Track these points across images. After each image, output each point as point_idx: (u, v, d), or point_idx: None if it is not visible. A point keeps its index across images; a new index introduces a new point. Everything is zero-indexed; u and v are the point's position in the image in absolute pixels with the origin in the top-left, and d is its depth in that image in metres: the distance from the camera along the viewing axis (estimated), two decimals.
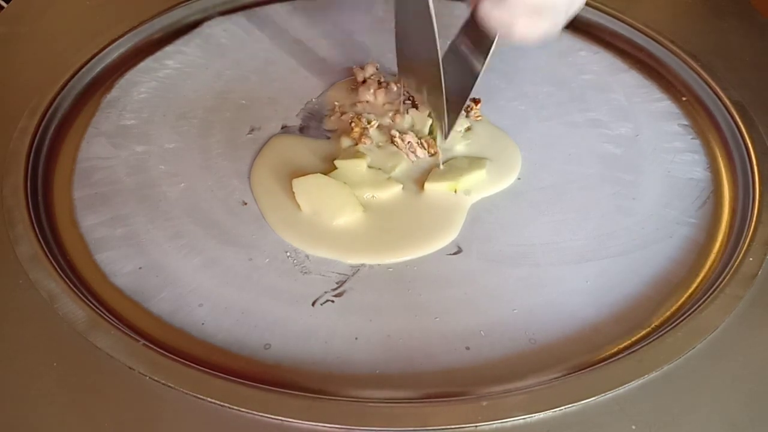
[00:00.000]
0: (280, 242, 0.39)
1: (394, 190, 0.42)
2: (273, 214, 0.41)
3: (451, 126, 0.43)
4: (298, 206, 0.41)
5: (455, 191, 0.42)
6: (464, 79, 0.42)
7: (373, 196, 0.42)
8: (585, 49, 0.55)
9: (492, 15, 0.36)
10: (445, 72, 0.43)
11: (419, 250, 0.39)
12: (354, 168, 0.43)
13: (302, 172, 0.42)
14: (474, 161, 0.44)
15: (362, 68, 0.50)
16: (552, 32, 0.36)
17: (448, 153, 0.45)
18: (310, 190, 0.41)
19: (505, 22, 0.36)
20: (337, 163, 0.43)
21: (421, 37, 0.40)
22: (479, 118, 0.47)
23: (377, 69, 0.50)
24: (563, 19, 0.37)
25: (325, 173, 0.42)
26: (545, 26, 0.36)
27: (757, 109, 0.47)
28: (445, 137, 0.43)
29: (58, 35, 0.53)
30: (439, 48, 0.39)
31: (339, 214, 0.40)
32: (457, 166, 0.44)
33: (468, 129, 0.46)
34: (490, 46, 0.39)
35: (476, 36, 0.39)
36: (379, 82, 0.49)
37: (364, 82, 0.49)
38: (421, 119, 0.46)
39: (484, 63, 0.40)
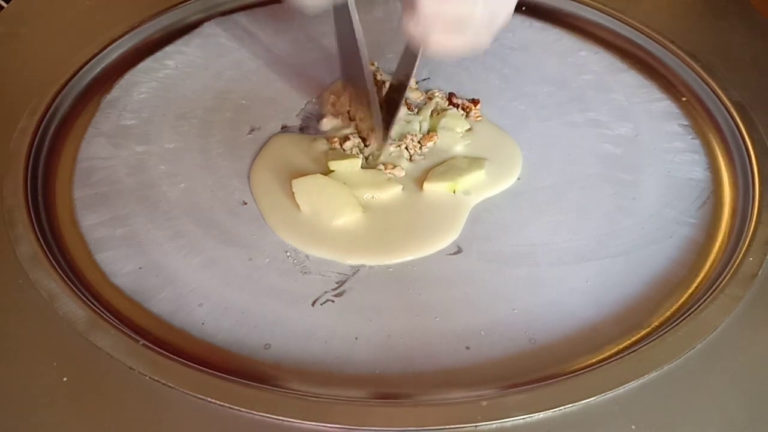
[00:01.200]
0: (280, 242, 0.39)
1: (395, 191, 0.42)
2: (272, 214, 0.41)
3: (387, 128, 0.44)
4: (298, 207, 0.41)
5: (454, 191, 0.42)
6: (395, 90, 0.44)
7: (373, 197, 0.42)
8: (585, 49, 0.55)
9: (408, 28, 0.35)
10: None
11: (420, 251, 0.39)
12: (350, 169, 0.43)
13: (302, 172, 0.42)
14: (473, 161, 0.44)
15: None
16: (476, 46, 0.35)
17: (448, 153, 0.45)
18: (310, 190, 0.41)
19: (420, 36, 0.35)
20: (331, 164, 0.43)
21: (352, 52, 0.41)
22: (479, 118, 0.47)
23: (376, 67, 0.50)
24: (486, 35, 0.36)
25: (325, 173, 0.42)
26: (464, 41, 0.35)
27: (757, 109, 0.47)
28: (384, 140, 0.44)
29: (58, 35, 0.53)
30: (366, 62, 0.40)
31: (338, 214, 0.40)
32: (456, 166, 0.43)
33: (468, 130, 0.46)
34: (416, 57, 0.40)
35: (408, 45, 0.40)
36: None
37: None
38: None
39: (411, 73, 0.42)
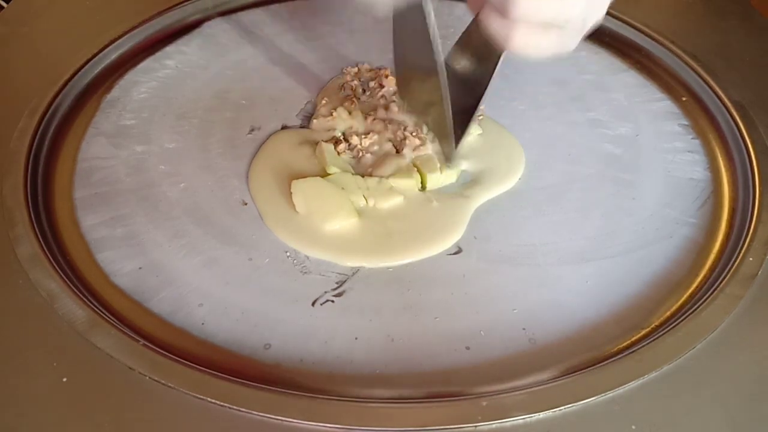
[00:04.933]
0: (280, 242, 0.39)
1: (395, 201, 0.41)
2: (271, 215, 0.41)
3: (455, 148, 0.41)
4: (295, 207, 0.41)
5: (423, 188, 0.42)
6: (468, 95, 0.39)
7: (374, 205, 0.41)
8: (585, 49, 0.55)
9: (492, 26, 0.32)
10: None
11: (420, 254, 0.39)
12: (350, 175, 0.42)
13: (299, 172, 0.42)
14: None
15: (342, 87, 0.50)
16: (564, 49, 0.33)
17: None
18: (308, 192, 0.40)
19: (505, 36, 0.32)
20: (329, 170, 0.42)
21: (421, 53, 0.37)
22: (481, 117, 0.47)
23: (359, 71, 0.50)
24: (576, 38, 0.33)
25: (323, 175, 0.42)
26: (552, 43, 0.32)
27: (757, 109, 0.47)
28: (449, 161, 0.41)
29: (58, 35, 0.53)
30: (442, 65, 0.36)
31: (332, 218, 0.40)
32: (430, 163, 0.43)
33: (480, 134, 0.46)
34: (497, 59, 0.36)
35: (481, 44, 0.35)
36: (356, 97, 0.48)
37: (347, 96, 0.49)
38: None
39: (490, 76, 0.37)
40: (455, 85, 0.40)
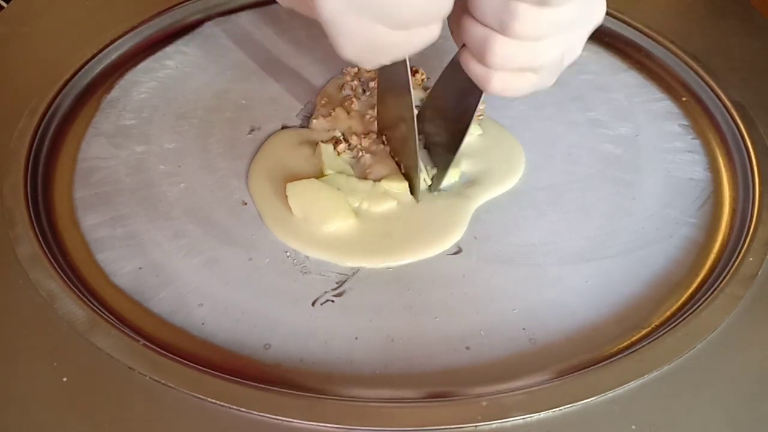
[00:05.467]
0: (280, 242, 0.39)
1: (389, 205, 0.41)
2: (270, 215, 0.41)
3: (440, 181, 0.42)
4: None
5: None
6: (451, 129, 0.40)
7: (367, 208, 0.41)
8: (585, 49, 0.54)
9: (470, 69, 0.33)
10: (428, 120, 0.42)
11: (420, 254, 0.39)
12: (345, 178, 0.42)
13: (297, 173, 0.42)
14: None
15: (342, 87, 0.50)
16: (540, 88, 0.34)
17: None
18: (303, 194, 0.40)
19: (483, 80, 0.33)
20: (326, 170, 0.42)
21: (398, 99, 0.39)
22: (481, 117, 0.47)
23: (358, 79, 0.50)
24: (553, 77, 0.34)
25: (320, 176, 0.42)
26: (529, 84, 0.33)
27: (757, 109, 0.47)
28: (415, 195, 0.41)
29: (58, 35, 0.53)
30: (414, 111, 0.37)
31: (329, 219, 0.40)
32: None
33: (480, 134, 0.46)
34: (480, 95, 0.37)
35: (464, 79, 0.35)
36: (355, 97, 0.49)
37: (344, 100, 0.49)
38: None
39: (473, 113, 0.38)
40: (440, 117, 0.41)
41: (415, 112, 0.38)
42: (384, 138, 0.45)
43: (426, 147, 0.44)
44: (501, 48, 0.31)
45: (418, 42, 0.31)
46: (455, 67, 0.35)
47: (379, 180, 0.42)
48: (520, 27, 0.30)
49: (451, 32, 0.34)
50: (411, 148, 0.40)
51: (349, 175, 0.42)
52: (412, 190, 0.42)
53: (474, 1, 0.31)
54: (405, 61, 0.36)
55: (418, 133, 0.39)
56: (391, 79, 0.40)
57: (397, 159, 0.43)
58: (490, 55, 0.31)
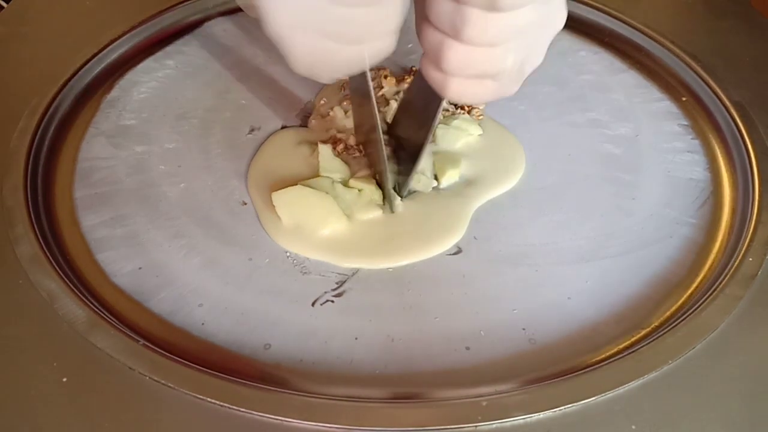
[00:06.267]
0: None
1: (374, 214, 0.41)
2: (268, 218, 0.41)
3: (405, 188, 0.41)
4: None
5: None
6: (415, 135, 0.40)
7: (351, 216, 0.40)
8: (585, 49, 0.55)
9: (428, 75, 0.33)
10: (398, 126, 0.42)
11: (420, 254, 0.39)
12: (330, 184, 0.41)
13: (300, 172, 0.42)
14: (448, 158, 0.44)
15: (342, 87, 0.50)
16: (502, 95, 0.33)
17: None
18: (291, 202, 0.40)
19: (441, 86, 0.33)
20: (321, 171, 0.42)
21: (363, 108, 0.39)
22: (481, 117, 0.47)
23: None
24: (514, 84, 0.33)
25: (316, 176, 0.42)
26: (489, 91, 0.32)
27: (757, 109, 0.47)
28: (390, 204, 0.41)
29: (58, 35, 0.53)
30: (378, 120, 0.38)
31: (322, 225, 0.39)
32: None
33: (480, 134, 0.46)
34: (440, 102, 0.36)
35: (427, 85, 0.34)
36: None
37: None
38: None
39: (433, 120, 0.37)
40: (407, 124, 0.41)
41: (382, 119, 0.38)
42: (360, 147, 0.44)
43: (395, 153, 0.43)
44: (455, 54, 0.30)
45: (372, 56, 0.31)
46: (421, 74, 0.35)
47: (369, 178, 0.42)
48: (472, 32, 0.29)
49: (418, 37, 0.33)
50: (379, 156, 0.39)
51: (336, 181, 0.42)
52: (384, 199, 0.41)
53: (430, 6, 0.30)
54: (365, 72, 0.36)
55: (391, 140, 0.39)
56: (356, 88, 0.40)
57: (371, 169, 0.43)
58: (445, 61, 0.31)
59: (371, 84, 0.37)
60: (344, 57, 0.31)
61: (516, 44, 0.30)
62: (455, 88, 0.32)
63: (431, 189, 0.42)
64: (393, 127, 0.43)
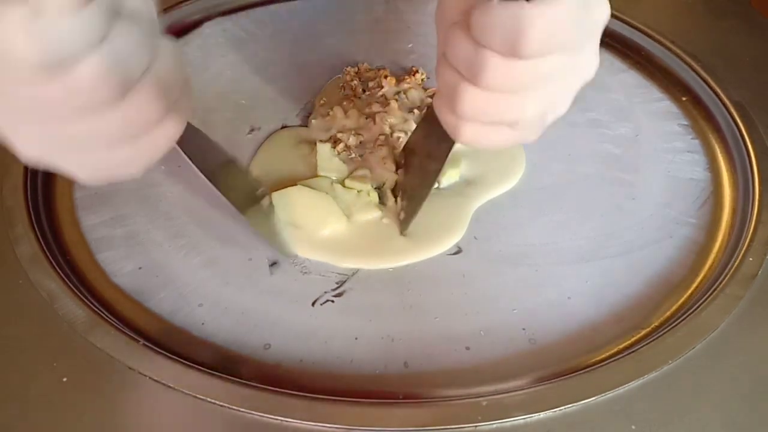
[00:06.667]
0: None
1: (373, 215, 0.40)
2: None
3: (407, 224, 0.40)
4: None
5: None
6: (422, 174, 0.39)
7: (350, 217, 0.40)
8: None
9: (442, 116, 0.30)
10: (405, 162, 0.41)
11: (420, 254, 0.39)
12: (329, 184, 0.41)
13: (299, 172, 0.42)
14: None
15: (342, 87, 0.50)
16: (521, 143, 0.31)
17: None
18: (290, 203, 0.39)
19: (453, 129, 0.30)
20: (320, 171, 0.42)
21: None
22: None
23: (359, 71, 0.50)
24: (535, 133, 0.30)
25: (313, 176, 0.42)
26: (508, 139, 0.30)
27: (757, 109, 0.47)
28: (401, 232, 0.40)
29: None
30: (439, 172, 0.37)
31: (322, 225, 0.39)
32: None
33: None
34: (451, 145, 0.34)
35: (439, 127, 0.32)
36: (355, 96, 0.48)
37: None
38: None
39: (442, 166, 0.36)
40: (413, 162, 0.40)
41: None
42: (401, 162, 0.43)
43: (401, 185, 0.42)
44: (471, 98, 0.28)
45: (149, 156, 0.29)
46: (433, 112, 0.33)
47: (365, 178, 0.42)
48: (490, 78, 0.27)
49: (436, 74, 0.31)
50: (422, 194, 0.38)
51: (335, 181, 0.42)
52: (403, 226, 0.40)
53: (448, 43, 0.28)
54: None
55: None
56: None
57: (400, 193, 0.42)
58: (460, 105, 0.28)
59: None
60: (114, 164, 0.28)
61: (538, 93, 0.28)
62: (469, 133, 0.30)
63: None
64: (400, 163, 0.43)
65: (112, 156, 0.27)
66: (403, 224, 0.40)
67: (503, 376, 0.33)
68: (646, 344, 0.34)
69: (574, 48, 0.28)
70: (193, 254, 0.39)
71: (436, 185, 0.42)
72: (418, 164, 0.40)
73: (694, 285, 0.38)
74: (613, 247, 0.40)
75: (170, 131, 0.28)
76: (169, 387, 0.31)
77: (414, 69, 0.50)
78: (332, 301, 0.37)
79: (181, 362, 0.32)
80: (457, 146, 0.44)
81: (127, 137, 0.26)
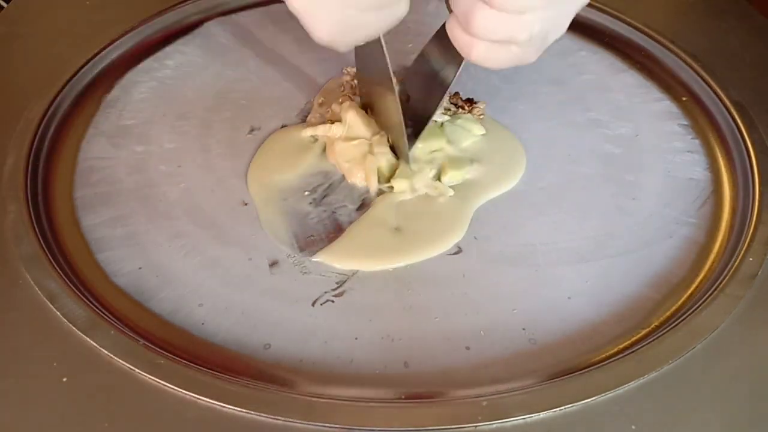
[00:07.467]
0: None
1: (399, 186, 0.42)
2: (268, 219, 0.41)
3: (411, 145, 0.42)
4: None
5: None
6: (431, 92, 0.41)
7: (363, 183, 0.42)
8: (585, 49, 0.55)
9: (454, 36, 0.35)
10: (411, 82, 0.43)
11: (421, 254, 0.39)
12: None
13: (299, 172, 0.42)
14: (455, 159, 0.44)
15: (342, 86, 0.50)
16: (522, 62, 0.35)
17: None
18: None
19: (466, 48, 0.34)
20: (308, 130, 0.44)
21: (376, 62, 0.40)
22: (482, 116, 0.47)
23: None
24: (535, 52, 0.35)
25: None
26: (511, 56, 0.34)
27: (757, 109, 0.47)
28: (407, 159, 0.42)
29: (58, 35, 0.53)
30: (393, 75, 0.39)
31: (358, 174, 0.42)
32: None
33: (483, 134, 0.46)
34: (460, 63, 0.38)
35: (448, 47, 0.36)
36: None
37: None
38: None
39: (453, 78, 0.39)
40: (422, 79, 0.42)
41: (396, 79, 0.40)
42: (369, 111, 0.45)
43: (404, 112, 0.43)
44: (485, 18, 0.32)
45: (387, 20, 0.33)
46: (442, 34, 0.37)
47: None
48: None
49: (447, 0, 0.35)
50: (395, 118, 0.40)
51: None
52: (399, 153, 0.42)
53: None
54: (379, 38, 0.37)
55: (402, 96, 0.41)
56: (367, 52, 0.40)
57: (382, 130, 0.44)
58: (475, 25, 0.32)
59: (383, 40, 0.38)
60: (362, 23, 0.33)
61: (544, 13, 0.32)
62: (480, 51, 0.34)
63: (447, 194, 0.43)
64: (405, 85, 0.44)
65: (360, 17, 0.33)
66: (406, 151, 0.42)
67: (503, 376, 0.33)
68: (646, 344, 0.34)
69: None
70: (193, 254, 0.39)
71: (451, 193, 0.42)
72: (421, 90, 0.42)
73: (694, 285, 0.38)
74: (613, 247, 0.40)
75: (400, 11, 0.34)
76: (169, 387, 0.31)
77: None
78: (332, 301, 0.37)
79: (181, 362, 0.32)
80: (464, 149, 0.44)
81: (376, 6, 0.33)
